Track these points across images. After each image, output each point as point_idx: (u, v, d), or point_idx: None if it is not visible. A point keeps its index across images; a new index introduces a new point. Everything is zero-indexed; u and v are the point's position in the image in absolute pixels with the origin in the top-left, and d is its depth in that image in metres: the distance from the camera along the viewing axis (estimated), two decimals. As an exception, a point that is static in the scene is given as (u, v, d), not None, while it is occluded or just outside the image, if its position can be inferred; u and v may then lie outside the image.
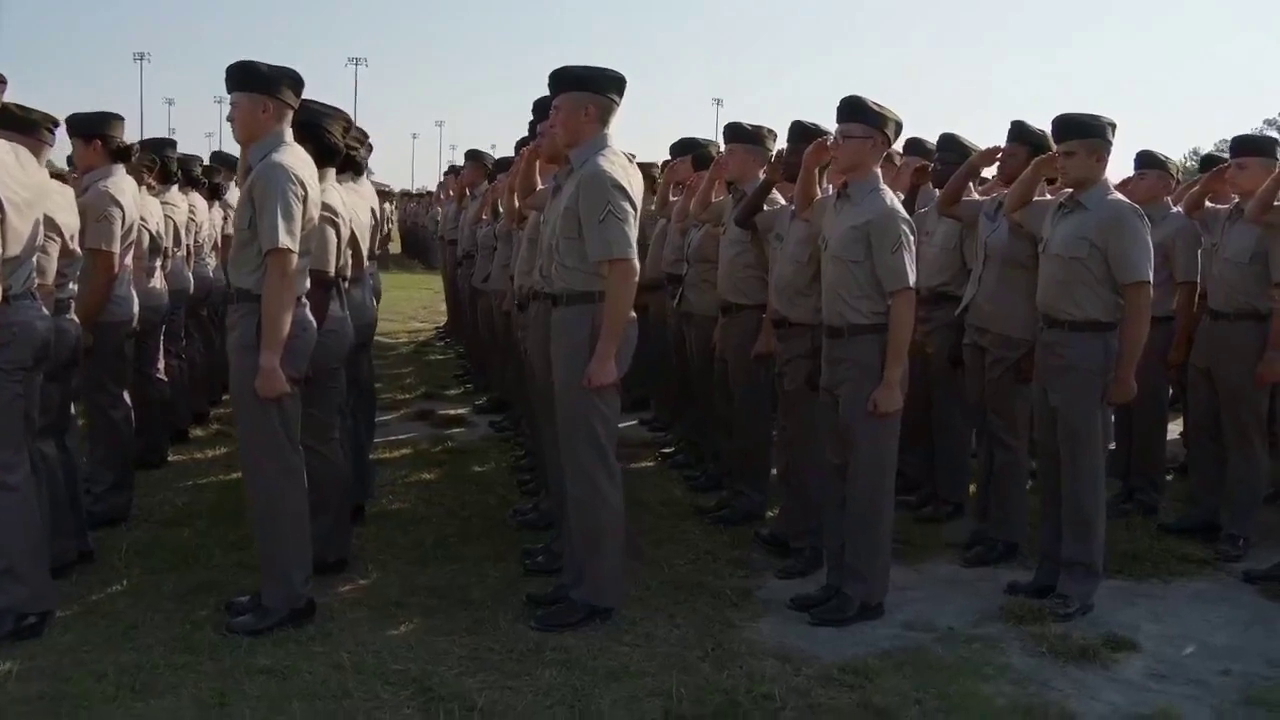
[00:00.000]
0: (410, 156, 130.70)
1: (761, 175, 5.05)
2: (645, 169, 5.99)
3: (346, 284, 4.71)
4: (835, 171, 4.37)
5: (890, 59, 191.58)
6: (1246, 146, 5.08)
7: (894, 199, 4.10)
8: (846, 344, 4.12)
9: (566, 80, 3.95)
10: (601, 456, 3.97)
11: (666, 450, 6.58)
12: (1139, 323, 4.22)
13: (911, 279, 4.01)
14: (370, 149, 6.00)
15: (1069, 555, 4.38)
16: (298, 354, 3.85)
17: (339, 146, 4.38)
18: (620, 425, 4.18)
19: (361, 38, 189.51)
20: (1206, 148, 26.15)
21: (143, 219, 5.41)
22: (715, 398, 5.48)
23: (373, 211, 5.28)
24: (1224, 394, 5.15)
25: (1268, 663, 3.99)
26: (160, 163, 6.23)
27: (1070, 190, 4.38)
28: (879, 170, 4.17)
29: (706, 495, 5.66)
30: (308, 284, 3.97)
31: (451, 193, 10.34)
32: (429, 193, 26.16)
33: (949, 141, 5.32)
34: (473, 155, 8.60)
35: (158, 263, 5.85)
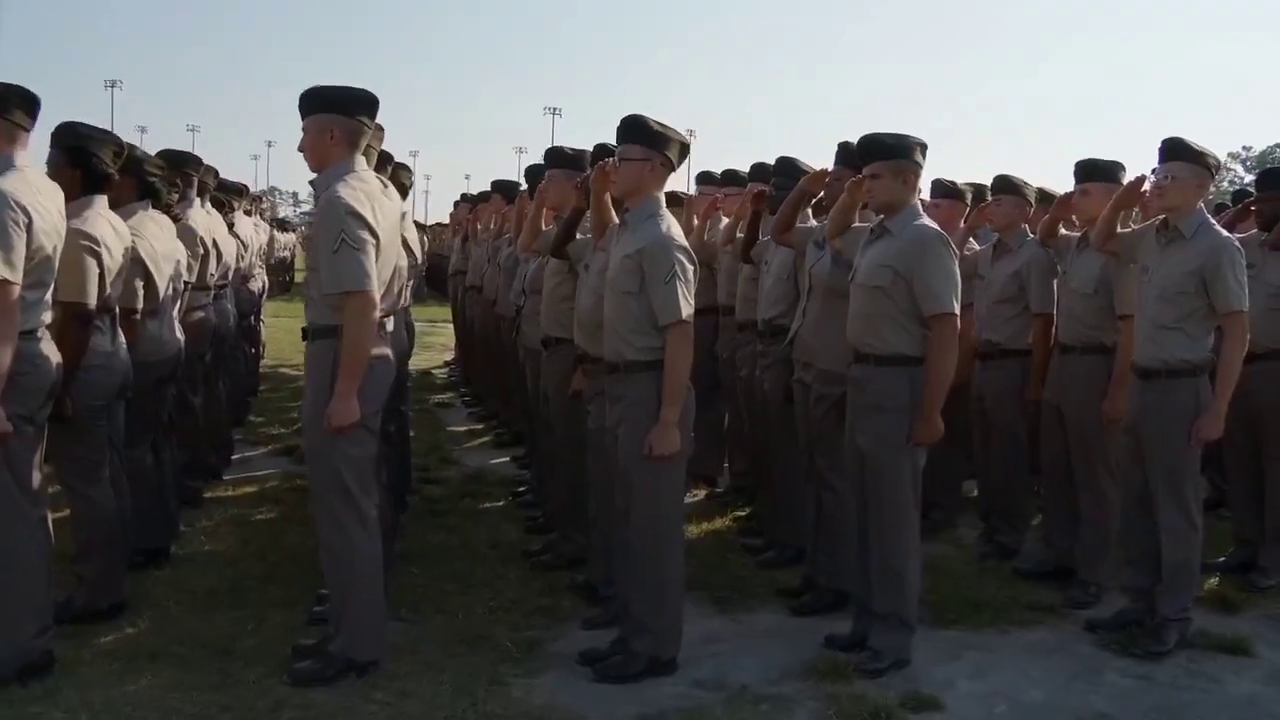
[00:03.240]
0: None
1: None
2: None
3: (138, 316, 4.52)
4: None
5: (867, 89, 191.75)
6: (1089, 171, 4.83)
7: (672, 226, 3.85)
8: (623, 381, 3.88)
9: (312, 102, 3.73)
10: (352, 503, 3.73)
11: (519, 489, 6.33)
12: (943, 357, 3.96)
13: (685, 312, 3.75)
14: (412, 184, 5.78)
15: (880, 607, 4.11)
16: (26, 391, 3.61)
17: (108, 173, 4.17)
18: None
19: (332, 67, 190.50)
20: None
21: None
22: (540, 435, 5.24)
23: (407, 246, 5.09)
24: (1072, 432, 4.88)
25: (1076, 721, 3.73)
26: None
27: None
28: (661, 195, 3.94)
29: (540, 538, 5.40)
30: (47, 317, 3.75)
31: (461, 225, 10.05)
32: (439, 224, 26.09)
33: (785, 166, 5.08)
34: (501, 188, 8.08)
35: None
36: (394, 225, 3.85)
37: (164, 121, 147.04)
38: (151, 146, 6.35)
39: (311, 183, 3.80)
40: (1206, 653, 4.31)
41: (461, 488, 6.61)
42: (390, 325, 4.02)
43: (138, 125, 78.29)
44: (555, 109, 72.35)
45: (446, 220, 17.50)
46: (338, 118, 3.72)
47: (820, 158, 5.11)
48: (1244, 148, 73.57)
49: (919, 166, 4.08)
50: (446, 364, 12.40)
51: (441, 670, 3.91)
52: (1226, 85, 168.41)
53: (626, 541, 3.96)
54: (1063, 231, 5.17)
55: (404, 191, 5.38)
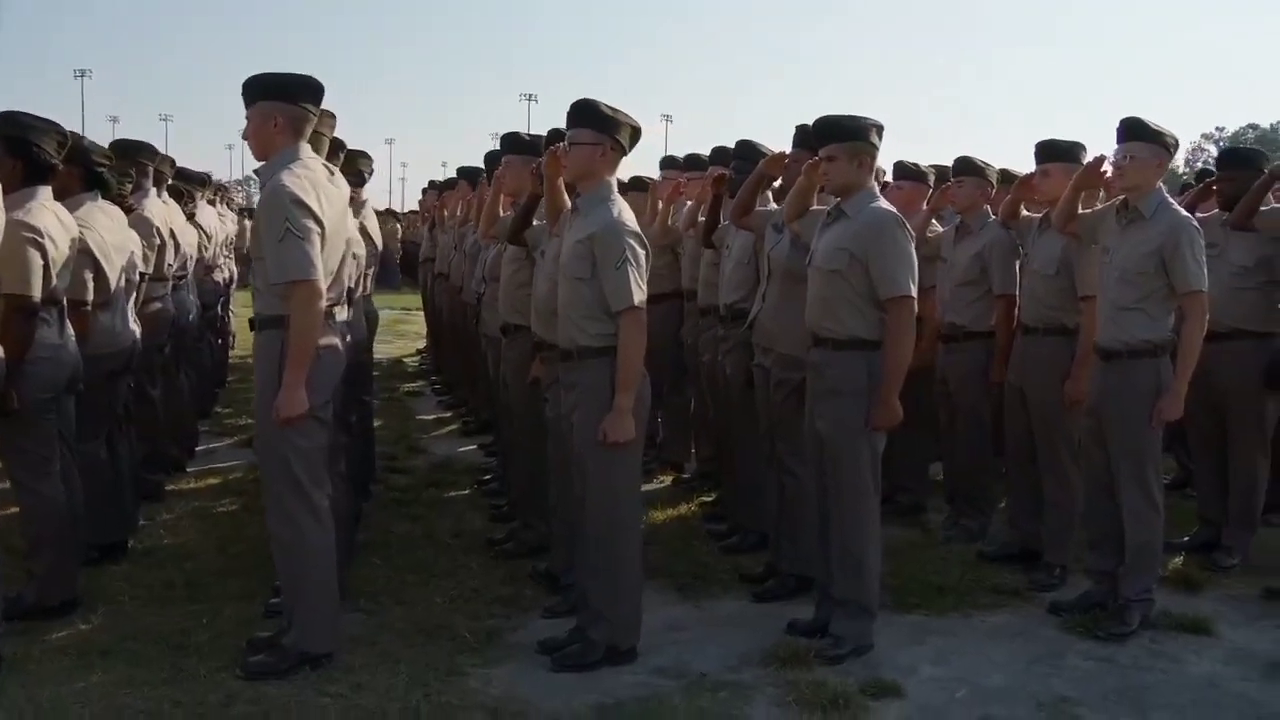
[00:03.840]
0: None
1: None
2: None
3: (88, 308, 4.45)
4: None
5: (849, 78, 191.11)
6: (1049, 152, 4.80)
7: (624, 211, 3.80)
8: (577, 368, 3.83)
9: (255, 90, 3.66)
10: (302, 494, 3.68)
11: (484, 478, 6.28)
12: (900, 341, 3.93)
13: (637, 298, 3.70)
14: (372, 171, 5.75)
15: (840, 592, 4.09)
16: None
17: (51, 163, 4.09)
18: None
19: (308, 55, 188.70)
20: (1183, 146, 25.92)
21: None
22: (501, 423, 5.19)
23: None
24: (1035, 414, 4.87)
25: (1037, 705, 3.73)
26: None
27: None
28: (613, 180, 3.88)
29: (504, 526, 5.35)
30: None
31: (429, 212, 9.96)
32: (388, 210, 25.93)
33: (744, 149, 5.03)
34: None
35: None
36: (341, 214, 3.79)
37: (136, 111, 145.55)
38: (124, 136, 6.25)
39: (256, 171, 3.74)
40: (1168, 633, 4.31)
41: (428, 476, 6.56)
42: (341, 314, 3.96)
43: (109, 115, 77.12)
44: (531, 95, 71.77)
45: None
46: (281, 105, 3.66)
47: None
48: (1217, 128, 74.36)
49: (874, 148, 4.04)
50: (418, 352, 12.32)
51: (398, 661, 3.87)
52: (1198, 68, 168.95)
53: (583, 529, 3.92)
54: (1024, 212, 5.14)
55: (362, 180, 5.31)
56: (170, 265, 5.92)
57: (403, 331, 14.36)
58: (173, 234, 5.91)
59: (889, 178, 5.88)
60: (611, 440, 3.72)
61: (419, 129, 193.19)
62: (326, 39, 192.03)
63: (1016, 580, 4.85)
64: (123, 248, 4.73)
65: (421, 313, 12.04)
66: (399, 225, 21.36)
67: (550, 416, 4.32)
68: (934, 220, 5.68)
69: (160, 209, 5.80)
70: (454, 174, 8.50)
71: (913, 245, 3.98)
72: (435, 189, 10.09)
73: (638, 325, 3.72)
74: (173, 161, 6.59)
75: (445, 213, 8.45)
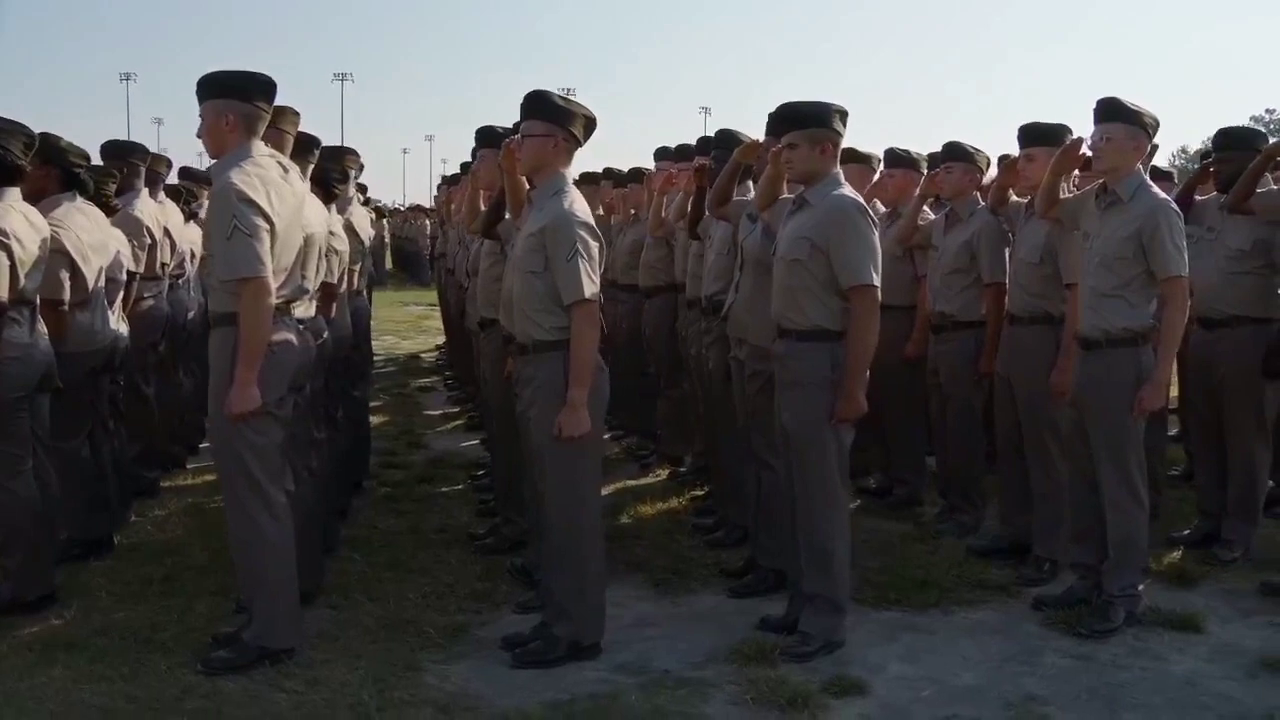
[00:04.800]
0: (401, 172, 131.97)
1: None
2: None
3: (65, 307, 4.50)
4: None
5: (880, 65, 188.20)
6: (1034, 136, 4.66)
7: (576, 202, 3.75)
8: (533, 362, 3.80)
9: (208, 87, 3.67)
10: (258, 491, 3.68)
11: (478, 473, 6.27)
12: (863, 331, 3.84)
13: (588, 291, 3.65)
14: (361, 168, 5.82)
15: (809, 588, 4.02)
16: None
17: (18, 164, 4.13)
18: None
19: (347, 53, 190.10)
20: (1195, 145, 25.09)
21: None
22: (486, 418, 5.17)
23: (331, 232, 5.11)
24: (1021, 404, 4.74)
25: (1005, 705, 3.63)
26: None
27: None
28: (566, 172, 3.83)
29: (489, 521, 5.33)
30: None
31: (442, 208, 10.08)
32: (416, 207, 26.13)
33: (724, 138, 4.95)
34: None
35: None
36: (295, 210, 3.78)
37: (180, 113, 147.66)
38: (168, 138, 6.43)
39: (209, 169, 3.75)
40: (1153, 630, 4.17)
41: (424, 472, 6.57)
42: (302, 310, 3.97)
43: (154, 117, 78.36)
44: (569, 90, 71.66)
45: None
46: (233, 103, 3.67)
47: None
48: (1267, 110, 72.03)
49: (838, 135, 3.95)
50: (438, 348, 12.37)
51: (359, 657, 3.86)
52: (1247, 52, 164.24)
53: (545, 526, 3.89)
54: (1014, 198, 5.01)
55: (346, 177, 5.32)
56: (166, 264, 5.98)
57: (426, 327, 14.42)
58: (167, 233, 5.96)
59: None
60: (566, 435, 3.68)
61: (459, 126, 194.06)
62: (361, 37, 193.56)
63: (1005, 575, 4.74)
64: (102, 248, 4.77)
65: (447, 308, 12.09)
66: (385, 222, 21.43)
67: (519, 411, 4.29)
68: (925, 207, 5.56)
69: (152, 208, 5.85)
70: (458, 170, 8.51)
71: (876, 233, 3.89)
72: (447, 184, 10.12)
73: (589, 318, 3.67)
74: (169, 161, 6.65)
75: (451, 208, 8.46)
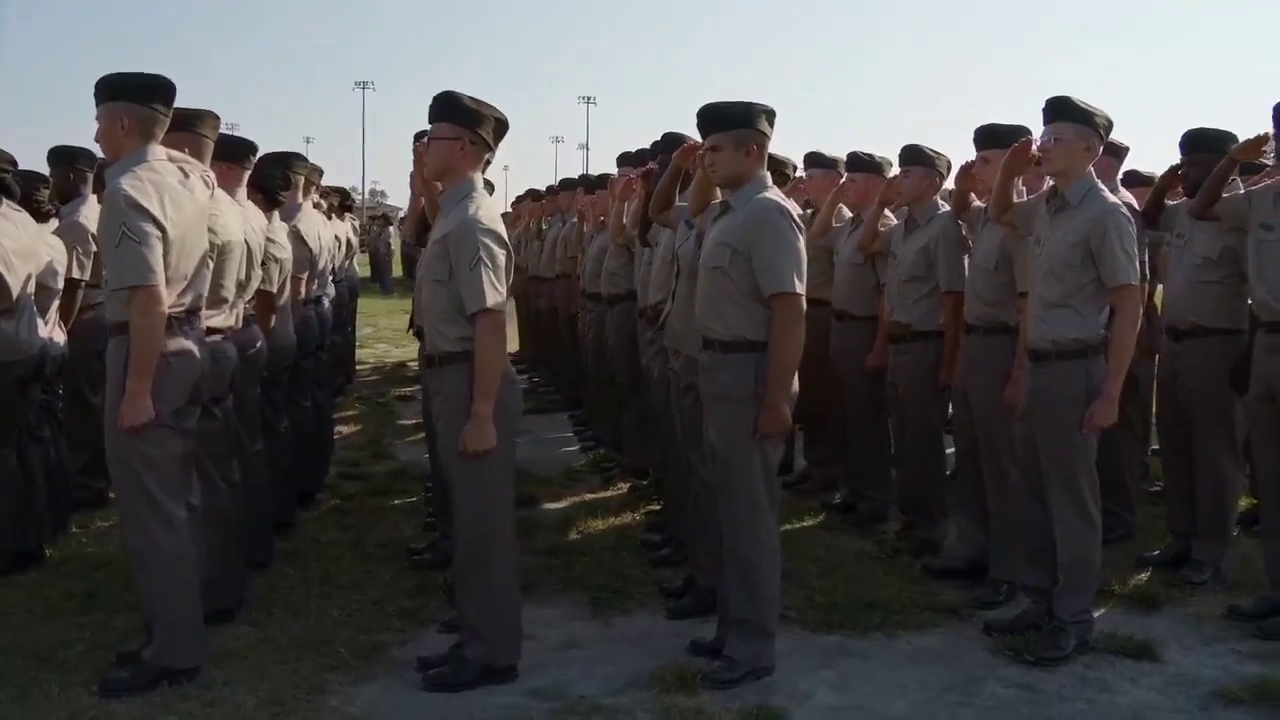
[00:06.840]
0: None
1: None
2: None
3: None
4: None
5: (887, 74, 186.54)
6: (989, 138, 4.47)
7: (481, 208, 3.58)
8: (440, 374, 3.64)
9: (104, 90, 3.56)
10: (154, 505, 3.55)
11: (430, 485, 6.11)
12: (785, 340, 3.64)
13: (492, 299, 3.49)
14: (321, 174, 5.69)
15: (736, 612, 3.82)
16: None
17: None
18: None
19: (368, 62, 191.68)
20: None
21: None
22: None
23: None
24: (978, 418, 4.53)
25: (936, 736, 3.42)
26: None
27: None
28: (476, 176, 3.68)
29: (431, 535, 5.18)
30: None
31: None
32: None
33: (669, 141, 4.76)
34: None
35: None
36: (194, 216, 3.65)
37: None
38: None
39: (105, 173, 3.63)
40: (1106, 658, 3.96)
41: (382, 484, 6.43)
42: (219, 320, 3.84)
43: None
44: (590, 98, 71.60)
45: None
46: (129, 105, 3.55)
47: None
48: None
49: (764, 136, 3.76)
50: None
51: (263, 678, 3.71)
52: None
53: (455, 544, 3.73)
54: (976, 203, 4.80)
55: (288, 184, 5.21)
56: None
57: (426, 336, 14.33)
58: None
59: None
60: (470, 450, 3.52)
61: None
62: (381, 46, 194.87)
63: (959, 597, 4.52)
64: (30, 254, 4.67)
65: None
66: (394, 229, 21.40)
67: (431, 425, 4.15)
68: (888, 211, 5.36)
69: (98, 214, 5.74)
70: (525, 178, 8.47)
71: (801, 238, 3.69)
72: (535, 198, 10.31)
73: (494, 328, 3.51)
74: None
75: None
